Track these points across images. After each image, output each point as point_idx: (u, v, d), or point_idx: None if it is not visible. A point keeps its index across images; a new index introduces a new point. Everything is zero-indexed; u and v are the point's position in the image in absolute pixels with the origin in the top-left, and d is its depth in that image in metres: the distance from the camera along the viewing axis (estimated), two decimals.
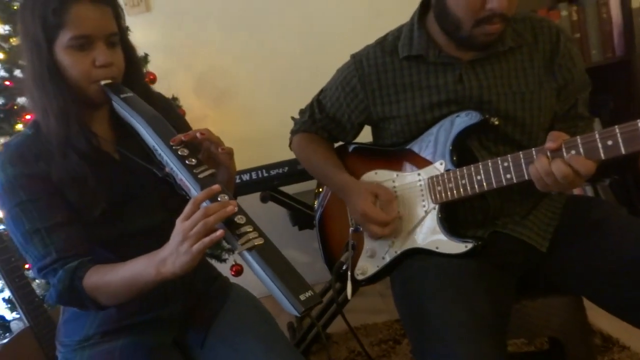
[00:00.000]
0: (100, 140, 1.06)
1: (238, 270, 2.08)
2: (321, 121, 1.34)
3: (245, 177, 1.95)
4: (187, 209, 0.86)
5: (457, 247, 1.11)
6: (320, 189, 1.39)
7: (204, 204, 0.86)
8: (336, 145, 1.37)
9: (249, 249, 0.83)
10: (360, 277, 1.23)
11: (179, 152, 0.94)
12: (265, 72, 2.52)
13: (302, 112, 1.40)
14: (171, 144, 0.94)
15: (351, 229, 1.25)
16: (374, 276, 1.22)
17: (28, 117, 1.85)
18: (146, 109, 1.01)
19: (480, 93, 1.13)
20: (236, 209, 0.86)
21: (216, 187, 0.88)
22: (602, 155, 0.90)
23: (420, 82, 1.17)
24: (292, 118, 1.44)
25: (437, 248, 1.13)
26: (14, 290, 1.48)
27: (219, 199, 0.87)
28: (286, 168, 1.98)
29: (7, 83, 1.89)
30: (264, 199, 1.95)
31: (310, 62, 2.42)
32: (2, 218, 1.04)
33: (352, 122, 1.29)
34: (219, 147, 0.97)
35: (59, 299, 0.97)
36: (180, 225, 0.86)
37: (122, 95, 1.01)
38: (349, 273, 1.23)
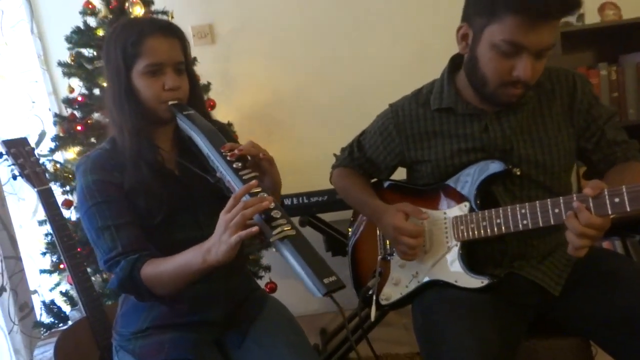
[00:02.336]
0: (163, 155, 1.23)
1: (272, 288, 2.22)
2: (359, 160, 1.48)
3: (288, 201, 2.11)
4: (229, 203, 0.99)
5: (475, 282, 1.21)
6: (356, 218, 1.52)
7: (244, 199, 0.99)
8: (372, 180, 1.50)
9: (281, 239, 0.94)
10: (384, 302, 1.35)
11: (228, 157, 1.08)
12: (316, 107, 2.68)
13: (343, 150, 1.55)
14: (221, 150, 1.09)
15: (379, 257, 1.38)
16: (397, 302, 1.34)
17: (102, 131, 2.07)
18: (204, 122, 1.17)
19: (503, 141, 1.25)
20: (272, 204, 0.98)
21: (253, 182, 1.01)
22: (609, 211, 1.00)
23: (450, 130, 1.30)
24: (334, 155, 1.59)
25: (456, 281, 1.24)
26: (77, 283, 1.66)
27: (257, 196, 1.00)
28: (325, 197, 2.14)
29: (86, 100, 2.12)
30: (302, 224, 2.10)
31: (358, 104, 2.57)
32: (79, 217, 1.21)
33: (387, 164, 1.42)
34: (260, 153, 1.11)
35: (120, 285, 1.11)
36: (223, 217, 0.99)
37: (184, 112, 1.17)
38: (375, 297, 1.35)
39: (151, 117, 1.19)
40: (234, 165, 1.06)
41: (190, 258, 1.05)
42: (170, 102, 1.18)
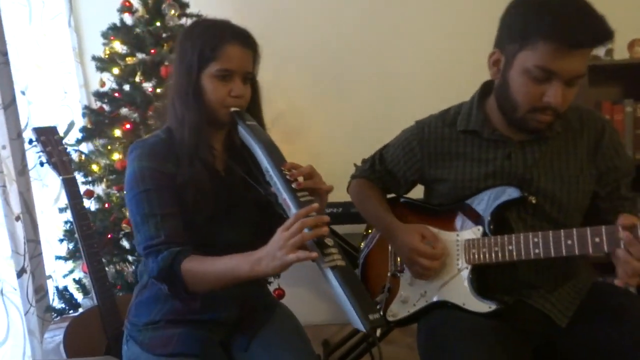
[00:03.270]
0: (215, 155, 1.26)
1: (280, 294, 2.24)
2: (379, 172, 1.49)
3: None
4: (289, 221, 1.02)
5: (482, 306, 1.22)
6: (369, 232, 1.53)
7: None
8: (389, 196, 1.52)
9: (332, 267, 0.98)
10: (390, 319, 1.35)
11: (287, 177, 1.10)
12: (337, 119, 2.70)
13: (364, 161, 1.57)
14: (282, 168, 1.11)
15: (389, 273, 1.39)
16: (403, 320, 1.35)
17: (128, 126, 2.12)
18: (265, 136, 1.20)
19: (524, 171, 1.25)
20: (328, 231, 1.02)
21: (315, 205, 1.04)
22: None
23: (473, 153, 1.31)
24: (355, 165, 1.62)
25: (463, 304, 1.24)
26: (91, 272, 1.70)
27: None
28: (340, 209, 2.16)
29: (116, 95, 2.18)
30: None
31: (377, 117, 2.61)
32: (125, 199, 1.23)
33: (406, 179, 1.44)
34: (320, 183, 1.13)
35: (158, 274, 1.13)
36: (281, 234, 1.01)
37: (247, 122, 1.20)
38: (382, 313, 1.37)
39: (210, 118, 1.22)
40: (293, 185, 1.09)
41: (237, 264, 1.08)
42: (232, 109, 1.21)
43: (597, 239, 1.06)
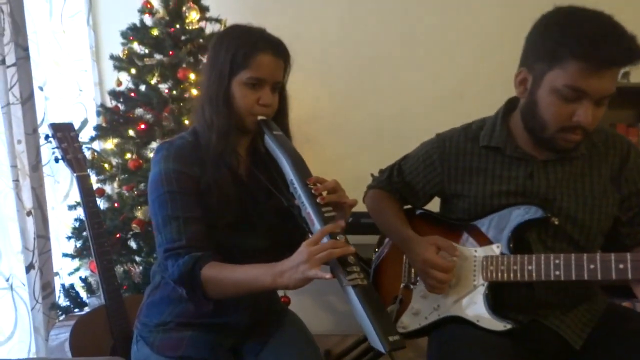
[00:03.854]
0: (240, 160, 1.26)
1: (286, 302, 2.23)
2: (397, 184, 1.48)
3: None
4: (316, 236, 1.03)
5: (497, 325, 1.21)
6: (382, 242, 1.52)
7: (324, 240, 1.02)
8: (405, 207, 1.51)
9: (354, 286, 0.98)
10: (401, 331, 1.33)
11: (312, 191, 1.10)
12: (352, 128, 2.70)
13: (382, 171, 1.56)
14: (307, 182, 1.11)
15: (402, 284, 1.39)
16: (414, 332, 1.33)
17: (142, 126, 2.13)
18: (292, 148, 1.20)
19: (546, 191, 1.25)
20: (354, 250, 1.02)
21: (342, 223, 1.05)
22: None
23: (494, 170, 1.30)
24: (372, 175, 1.61)
25: (477, 321, 1.23)
26: (101, 271, 1.69)
27: (337, 237, 1.03)
28: (351, 219, 2.13)
29: (132, 94, 2.19)
30: None
31: (394, 129, 2.61)
32: (148, 199, 1.23)
33: (425, 192, 1.43)
34: (345, 199, 1.13)
35: (179, 278, 1.13)
36: (307, 248, 1.01)
37: (274, 132, 1.20)
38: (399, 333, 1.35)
39: (237, 125, 1.22)
40: (317, 200, 1.09)
41: (259, 274, 1.07)
42: (259, 117, 1.21)
43: (621, 265, 1.06)
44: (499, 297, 1.25)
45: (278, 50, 1.22)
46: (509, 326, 1.20)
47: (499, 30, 2.54)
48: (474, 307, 1.25)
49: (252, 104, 1.20)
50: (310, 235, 1.09)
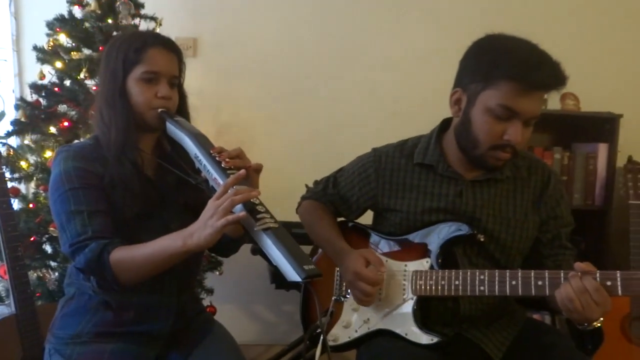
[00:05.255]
0: (144, 159, 1.25)
1: (212, 312, 2.18)
2: (332, 196, 1.50)
3: None
4: (219, 191, 1.03)
5: (424, 338, 1.24)
6: (314, 254, 1.53)
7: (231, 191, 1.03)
8: (339, 219, 1.52)
9: (265, 229, 0.99)
10: (331, 343, 1.35)
11: (217, 158, 1.11)
12: (284, 136, 2.69)
13: (317, 182, 1.57)
14: (211, 152, 1.13)
15: (334, 297, 1.39)
16: (344, 345, 1.35)
17: (66, 123, 2.00)
18: (192, 127, 1.22)
19: (473, 210, 1.31)
20: (258, 200, 1.03)
21: (242, 172, 1.05)
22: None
23: (426, 187, 1.35)
24: (306, 186, 1.61)
25: (406, 334, 1.26)
26: (12, 277, 1.57)
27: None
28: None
29: (56, 89, 2.06)
30: (253, 252, 2.08)
31: (327, 141, 2.63)
32: (49, 202, 1.19)
33: (359, 205, 1.45)
34: (249, 162, 1.16)
35: (86, 265, 1.10)
36: (212, 203, 1.02)
37: (174, 118, 1.22)
38: (322, 337, 1.36)
39: (138, 122, 1.22)
40: (223, 165, 1.10)
41: (169, 242, 1.07)
42: (159, 110, 1.22)
43: (540, 282, 1.12)
44: (427, 311, 1.29)
45: (168, 45, 1.24)
46: (435, 339, 1.23)
47: (432, 50, 2.65)
48: (403, 320, 1.28)
49: (151, 98, 1.21)
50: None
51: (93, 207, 1.14)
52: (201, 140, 1.17)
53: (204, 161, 1.12)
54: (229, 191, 1.03)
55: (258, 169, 1.18)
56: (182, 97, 1.31)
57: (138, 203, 1.19)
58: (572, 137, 2.55)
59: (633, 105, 2.52)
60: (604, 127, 2.42)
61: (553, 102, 2.52)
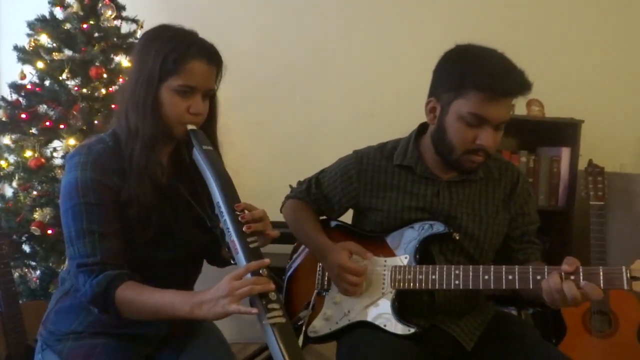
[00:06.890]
0: (162, 168, 1.20)
1: None
2: (315, 195, 1.56)
3: None
4: (240, 271, 1.02)
5: (402, 329, 1.32)
6: (296, 250, 1.59)
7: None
8: (321, 218, 1.58)
9: (273, 325, 1.01)
10: (312, 335, 1.42)
11: (239, 218, 1.08)
12: (261, 138, 2.74)
13: (300, 183, 1.64)
14: (235, 208, 1.08)
15: (316, 291, 1.46)
16: (325, 336, 1.41)
17: (47, 123, 2.02)
18: (221, 168, 1.16)
19: (449, 209, 1.39)
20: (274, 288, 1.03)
21: (267, 261, 1.05)
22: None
23: (405, 187, 1.43)
24: (290, 186, 1.67)
25: (384, 326, 1.33)
26: None
27: (260, 272, 1.04)
28: None
29: (38, 89, 2.07)
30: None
31: (308, 142, 2.70)
32: (60, 206, 1.13)
33: (341, 204, 1.52)
34: (270, 229, 1.14)
35: (92, 299, 1.08)
36: (229, 282, 1.00)
37: (204, 147, 1.15)
38: (304, 328, 1.42)
39: (164, 132, 1.17)
40: (244, 229, 1.07)
41: (177, 302, 1.05)
42: (189, 127, 1.17)
43: (510, 277, 1.21)
44: (404, 303, 1.36)
45: (211, 56, 1.17)
46: (412, 330, 1.31)
47: (407, 53, 2.74)
48: (382, 312, 1.35)
49: (182, 113, 1.15)
50: (228, 249, 1.10)
51: (105, 228, 1.10)
52: (227, 189, 1.11)
53: (226, 216, 1.08)
54: (248, 275, 1.01)
55: (275, 237, 1.15)
56: (213, 106, 1.25)
57: (153, 220, 1.15)
58: (538, 141, 2.67)
59: (594, 111, 2.65)
60: (566, 132, 2.55)
61: (519, 108, 2.64)
